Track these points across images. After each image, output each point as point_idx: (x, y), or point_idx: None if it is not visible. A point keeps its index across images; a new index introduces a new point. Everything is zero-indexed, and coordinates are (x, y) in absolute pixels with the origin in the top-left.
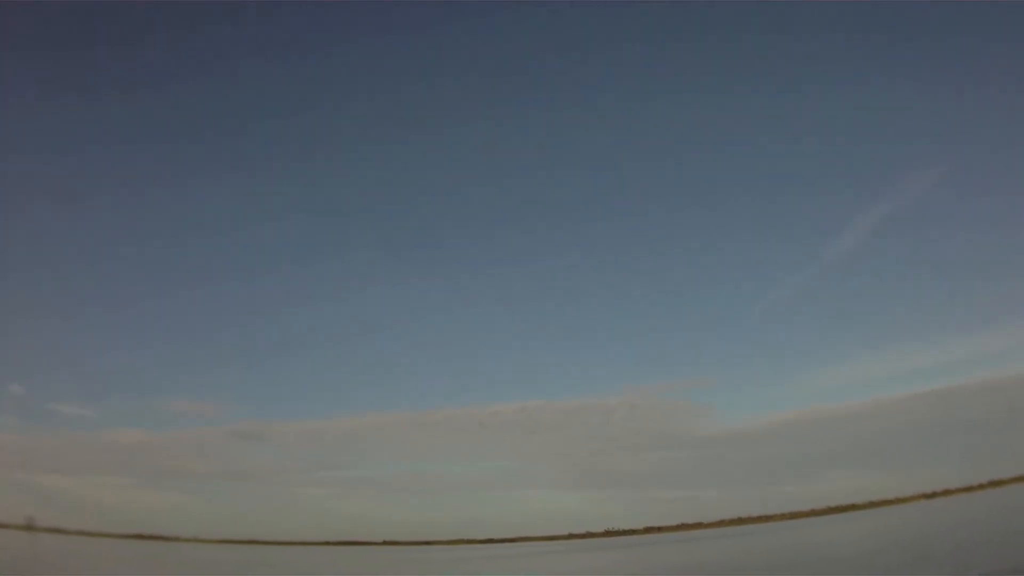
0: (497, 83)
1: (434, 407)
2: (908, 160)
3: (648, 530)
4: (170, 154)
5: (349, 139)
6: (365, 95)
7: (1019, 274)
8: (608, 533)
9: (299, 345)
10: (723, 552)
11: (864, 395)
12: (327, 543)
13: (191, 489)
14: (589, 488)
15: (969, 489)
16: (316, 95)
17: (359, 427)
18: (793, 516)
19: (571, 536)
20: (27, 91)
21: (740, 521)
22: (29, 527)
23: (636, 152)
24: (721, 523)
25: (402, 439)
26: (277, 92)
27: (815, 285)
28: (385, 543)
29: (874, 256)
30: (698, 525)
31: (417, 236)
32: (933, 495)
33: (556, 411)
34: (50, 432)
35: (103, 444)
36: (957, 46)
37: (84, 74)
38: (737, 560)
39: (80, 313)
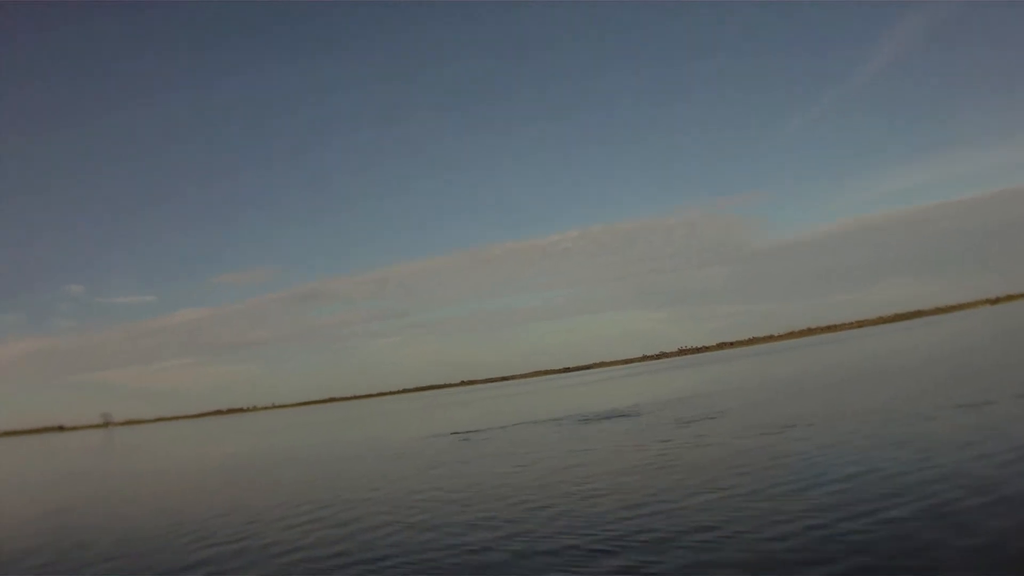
0: None
1: (494, 241)
2: None
3: (721, 346)
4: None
5: None
6: None
7: None
8: (682, 352)
9: (347, 197)
10: (817, 362)
11: (909, 202)
12: (404, 391)
13: (259, 358)
14: (656, 308)
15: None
16: None
17: (420, 271)
18: (860, 324)
19: (645, 357)
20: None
21: (809, 332)
22: (106, 423)
23: None
24: (791, 335)
25: (465, 279)
26: None
27: (858, 95)
28: (463, 383)
29: (916, 65)
30: (769, 338)
31: (469, 77)
32: (996, 300)
33: (616, 233)
34: (111, 326)
35: (164, 328)
36: None
37: None
38: (842, 369)
39: (125, 207)
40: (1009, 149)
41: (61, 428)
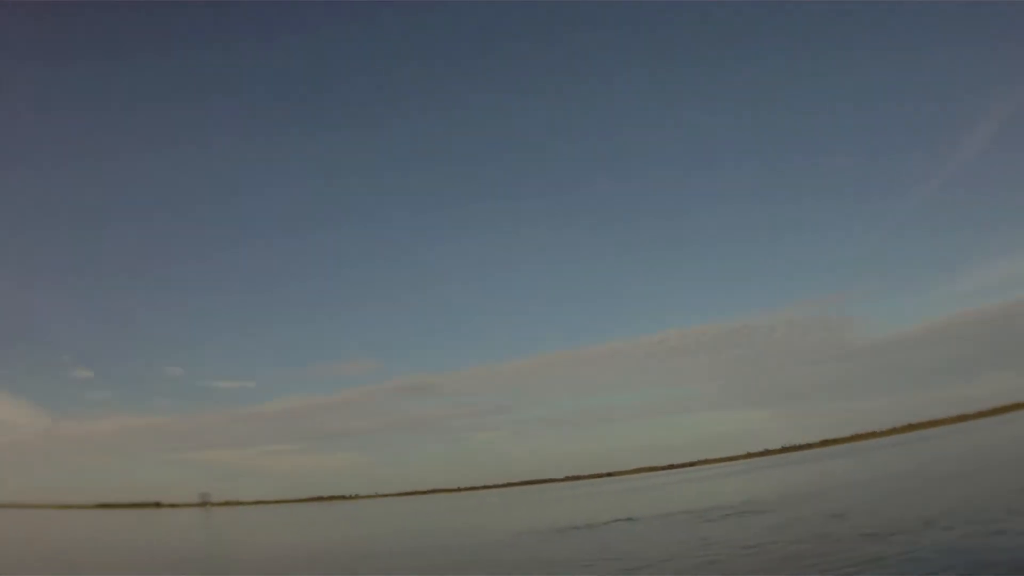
0: None
1: (599, 342)
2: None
3: (824, 443)
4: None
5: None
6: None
7: None
8: (785, 449)
9: (456, 296)
10: (923, 456)
11: (1007, 295)
12: (508, 485)
13: (361, 447)
14: (758, 406)
15: None
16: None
17: (525, 369)
18: (961, 419)
19: (749, 455)
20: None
21: (910, 428)
22: (204, 503)
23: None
24: (893, 431)
25: (570, 376)
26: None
27: (948, 188)
28: (568, 479)
29: (1004, 154)
30: (871, 434)
31: (569, 180)
32: None
33: (719, 333)
34: (212, 409)
35: (266, 414)
36: None
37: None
38: (948, 462)
39: (229, 293)
40: None
41: (158, 504)
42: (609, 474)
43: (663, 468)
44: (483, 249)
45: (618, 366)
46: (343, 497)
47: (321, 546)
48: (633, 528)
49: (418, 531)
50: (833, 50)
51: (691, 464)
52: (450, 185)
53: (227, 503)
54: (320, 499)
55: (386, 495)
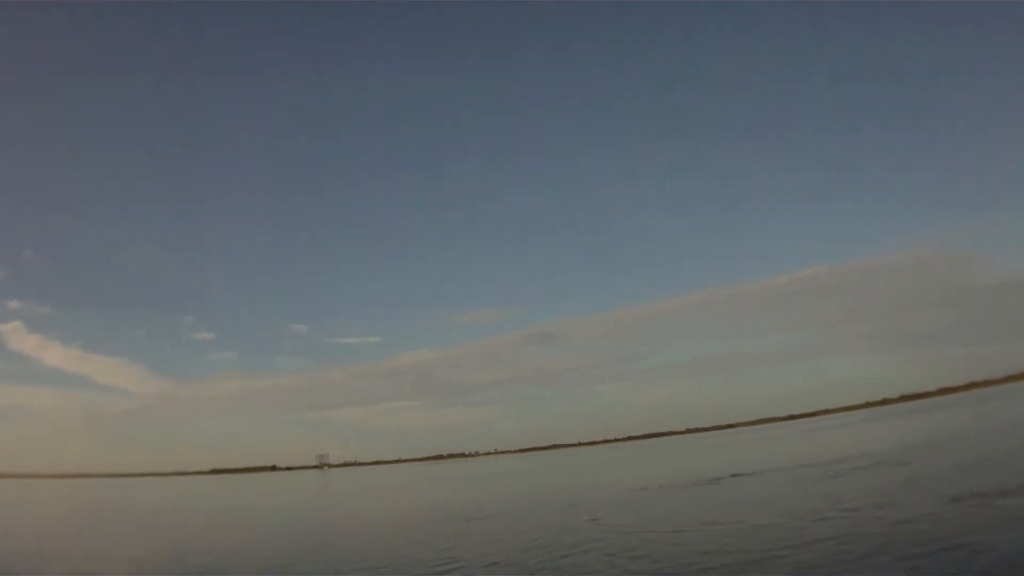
0: None
1: (721, 285)
2: None
3: (942, 391)
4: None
5: None
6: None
7: None
8: (904, 398)
9: (577, 241)
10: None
11: None
12: (629, 438)
13: (484, 401)
14: (880, 351)
15: None
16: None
17: (646, 315)
18: None
19: (868, 404)
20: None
21: None
22: (322, 465)
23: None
24: (1008, 379)
25: (691, 323)
26: None
27: None
28: (688, 431)
29: None
30: (986, 383)
31: (675, 127)
32: None
33: (842, 274)
34: (335, 366)
35: (391, 370)
36: None
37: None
38: None
39: (354, 249)
40: None
41: (275, 468)
42: (730, 426)
43: (783, 419)
44: (601, 197)
45: (738, 311)
46: (463, 455)
47: (423, 510)
48: (749, 484)
49: (526, 490)
50: None
51: (811, 415)
52: (579, 134)
53: (345, 464)
54: (440, 457)
55: (506, 452)
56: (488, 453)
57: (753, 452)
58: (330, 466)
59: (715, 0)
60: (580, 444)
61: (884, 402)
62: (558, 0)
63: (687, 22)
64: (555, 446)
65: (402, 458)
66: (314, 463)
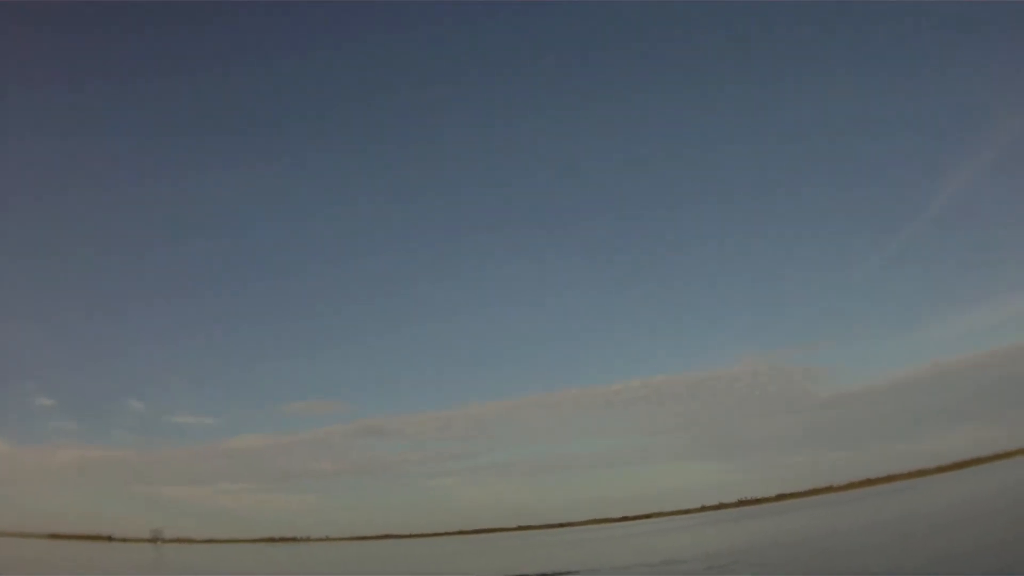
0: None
1: (557, 389)
2: (1008, 104)
3: (780, 497)
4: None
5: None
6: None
7: None
8: (741, 503)
9: (415, 338)
10: (865, 517)
11: (982, 346)
12: (460, 532)
13: (317, 489)
14: (717, 458)
15: None
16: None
17: (483, 414)
18: (921, 474)
19: (704, 508)
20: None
21: (869, 483)
22: (156, 539)
23: (736, 129)
24: (851, 486)
25: (527, 423)
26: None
27: (922, 239)
28: (520, 528)
29: (980, 205)
30: (828, 489)
31: (531, 220)
32: None
33: (680, 384)
34: (171, 444)
35: (225, 452)
36: None
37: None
38: (883, 525)
39: (195, 329)
40: None
41: (110, 538)
42: (562, 525)
43: (617, 520)
44: (444, 293)
45: (578, 415)
46: (295, 539)
47: None
48: None
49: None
50: (812, 80)
51: (646, 516)
52: (418, 228)
53: (179, 540)
54: (272, 540)
55: (338, 539)
56: (320, 539)
57: (585, 551)
58: (164, 541)
59: None
60: (413, 535)
61: (721, 506)
62: None
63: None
64: (387, 536)
65: (235, 538)
66: (148, 536)
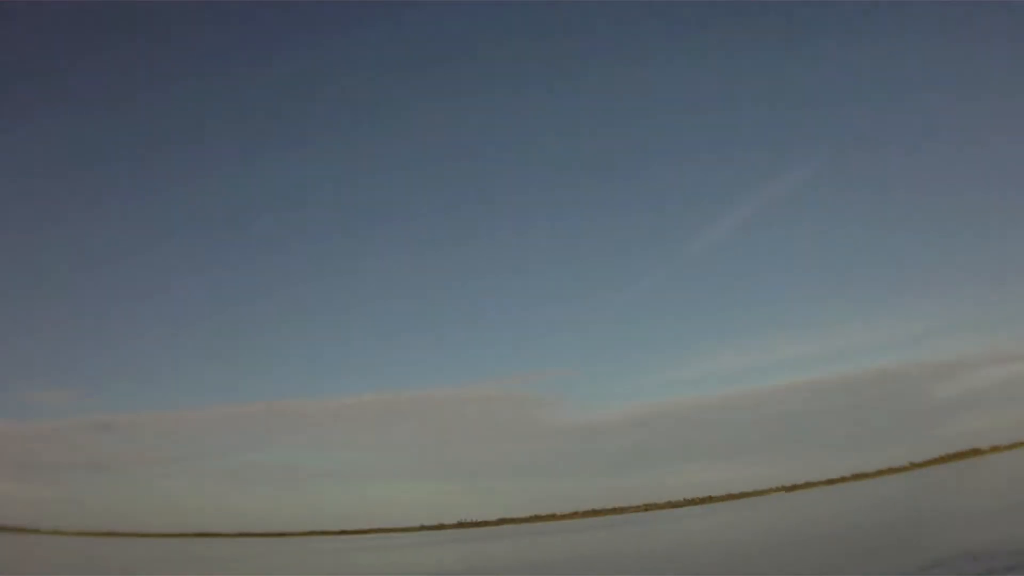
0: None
1: (287, 398)
2: (774, 160)
3: (502, 521)
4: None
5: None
6: (336, 87)
7: (881, 269)
8: (461, 524)
9: (155, 333)
10: (571, 548)
11: (724, 387)
12: (182, 535)
13: (49, 480)
14: (442, 478)
15: (831, 482)
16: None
17: (211, 418)
18: (648, 508)
19: (423, 528)
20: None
21: (594, 513)
22: None
23: (504, 140)
24: (575, 515)
25: (255, 430)
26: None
27: (678, 279)
28: (240, 535)
29: (737, 251)
30: (552, 517)
31: (278, 225)
32: (793, 487)
33: (410, 401)
34: None
35: None
36: (823, 47)
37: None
38: (589, 556)
39: None
40: (819, 339)
41: None
42: (280, 534)
43: (335, 533)
44: (188, 292)
45: (303, 425)
46: (24, 530)
47: None
48: None
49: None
50: (580, 111)
51: (364, 532)
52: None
53: None
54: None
55: (67, 533)
56: (48, 532)
57: (297, 562)
58: None
59: None
60: (139, 534)
61: (440, 526)
62: None
63: None
64: (114, 533)
65: None
66: None
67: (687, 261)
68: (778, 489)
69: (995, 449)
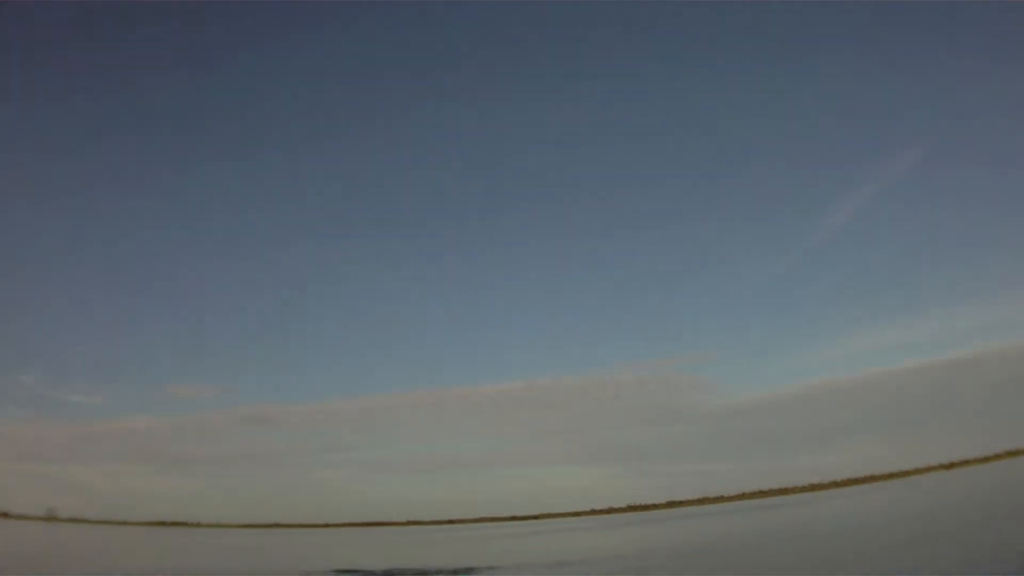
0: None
1: (445, 386)
2: (898, 135)
3: (670, 504)
4: (167, 145)
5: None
6: (359, 82)
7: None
8: (631, 508)
9: (303, 327)
10: (764, 524)
11: (871, 365)
12: (349, 524)
13: (206, 474)
14: (603, 463)
15: (985, 460)
16: (313, 82)
17: (369, 408)
18: (813, 488)
19: (594, 512)
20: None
21: (761, 494)
22: (51, 518)
23: (633, 135)
24: (742, 496)
25: (414, 419)
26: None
27: (817, 257)
28: (409, 523)
29: (876, 226)
30: (719, 498)
31: (421, 218)
32: (951, 466)
33: (567, 387)
34: (62, 421)
35: (114, 432)
36: (939, 26)
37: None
38: (779, 535)
39: (85, 302)
40: (972, 313)
41: (6, 515)
42: (450, 521)
43: (506, 519)
44: (335, 285)
45: (463, 413)
46: (185, 524)
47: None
48: None
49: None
50: (705, 107)
51: (534, 517)
52: (310, 225)
53: (74, 520)
54: (163, 524)
55: (228, 525)
56: (210, 525)
57: (481, 547)
58: (59, 519)
59: None
60: (301, 525)
61: (610, 510)
62: None
63: None
64: (276, 525)
65: (127, 520)
66: (43, 514)
67: (825, 239)
68: (936, 467)
69: None
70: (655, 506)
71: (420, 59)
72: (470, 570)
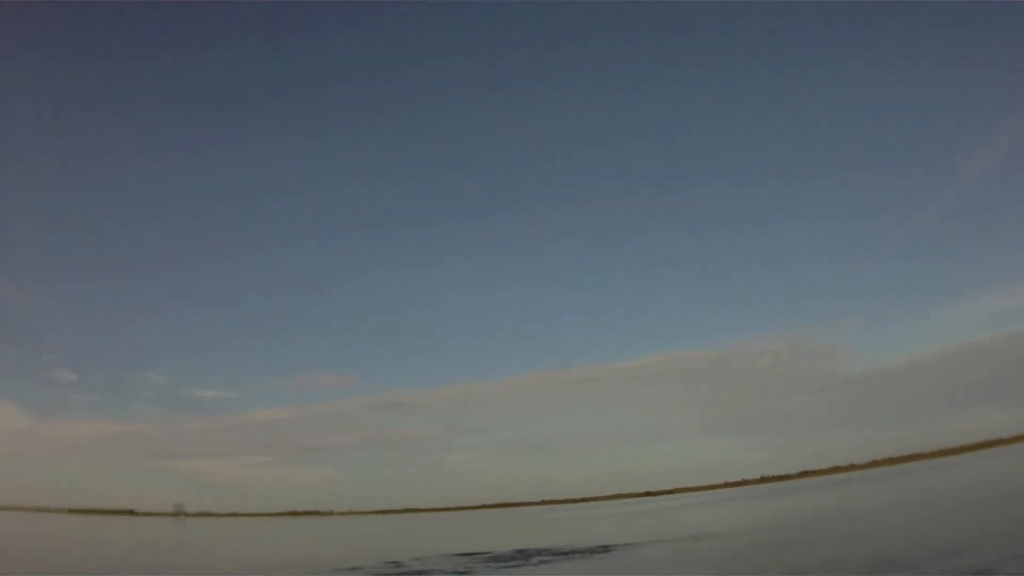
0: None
1: (577, 365)
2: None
3: (803, 474)
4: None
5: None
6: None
7: None
8: (763, 479)
9: (430, 313)
10: (894, 495)
11: (1004, 328)
12: (483, 507)
13: (335, 462)
14: (739, 435)
15: None
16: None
17: (500, 390)
18: (944, 453)
19: (727, 484)
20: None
21: (891, 461)
22: (178, 513)
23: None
24: (874, 463)
25: (545, 398)
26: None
27: (947, 221)
28: (544, 503)
29: (993, 194)
30: (851, 467)
31: (548, 197)
32: None
33: (700, 360)
34: (192, 418)
35: (245, 425)
36: None
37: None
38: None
39: (213, 301)
40: None
41: (132, 512)
42: (586, 499)
43: (641, 495)
44: (463, 268)
45: (597, 391)
46: (317, 512)
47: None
48: (624, 556)
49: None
50: (831, 67)
51: (669, 492)
52: (432, 202)
53: (201, 514)
54: (295, 514)
55: (361, 512)
56: (343, 513)
57: (616, 524)
58: (187, 515)
59: None
60: (433, 509)
61: (744, 483)
62: None
63: None
64: (408, 510)
65: (256, 512)
66: (170, 510)
67: (948, 206)
68: None
69: None
70: (788, 477)
71: (423, 58)
72: (606, 548)
